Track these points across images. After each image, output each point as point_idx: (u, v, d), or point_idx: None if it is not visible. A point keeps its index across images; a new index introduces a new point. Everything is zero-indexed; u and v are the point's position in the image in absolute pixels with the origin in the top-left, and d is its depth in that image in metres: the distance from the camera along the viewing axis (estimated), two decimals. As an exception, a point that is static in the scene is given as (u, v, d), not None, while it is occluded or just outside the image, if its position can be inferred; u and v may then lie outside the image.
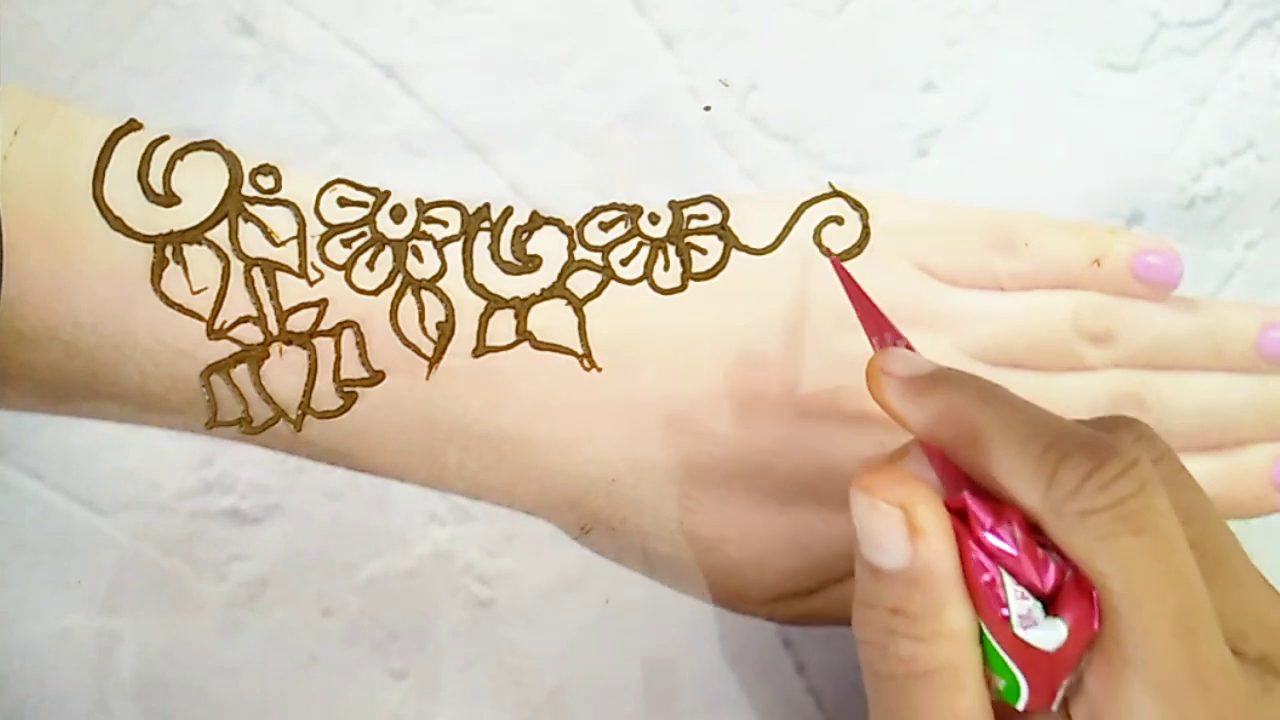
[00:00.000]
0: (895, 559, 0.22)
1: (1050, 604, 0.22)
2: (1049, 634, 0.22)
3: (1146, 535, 0.21)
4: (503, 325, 0.31)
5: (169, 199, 0.30)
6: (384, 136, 0.31)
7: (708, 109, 0.32)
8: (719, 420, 0.31)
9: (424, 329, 0.31)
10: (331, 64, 0.31)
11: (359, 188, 0.31)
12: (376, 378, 0.31)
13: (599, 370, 0.31)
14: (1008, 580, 0.22)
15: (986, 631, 0.22)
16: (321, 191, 0.31)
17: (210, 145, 0.30)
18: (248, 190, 0.30)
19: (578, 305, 0.31)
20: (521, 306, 0.31)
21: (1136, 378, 0.33)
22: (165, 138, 0.30)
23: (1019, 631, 0.22)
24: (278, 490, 0.31)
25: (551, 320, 0.31)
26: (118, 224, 0.29)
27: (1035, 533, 0.23)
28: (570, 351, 0.31)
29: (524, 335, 0.31)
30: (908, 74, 0.33)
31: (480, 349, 0.31)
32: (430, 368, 0.31)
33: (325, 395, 0.31)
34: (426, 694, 0.33)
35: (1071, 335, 0.33)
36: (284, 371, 0.30)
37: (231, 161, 0.30)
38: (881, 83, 0.33)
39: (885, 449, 0.31)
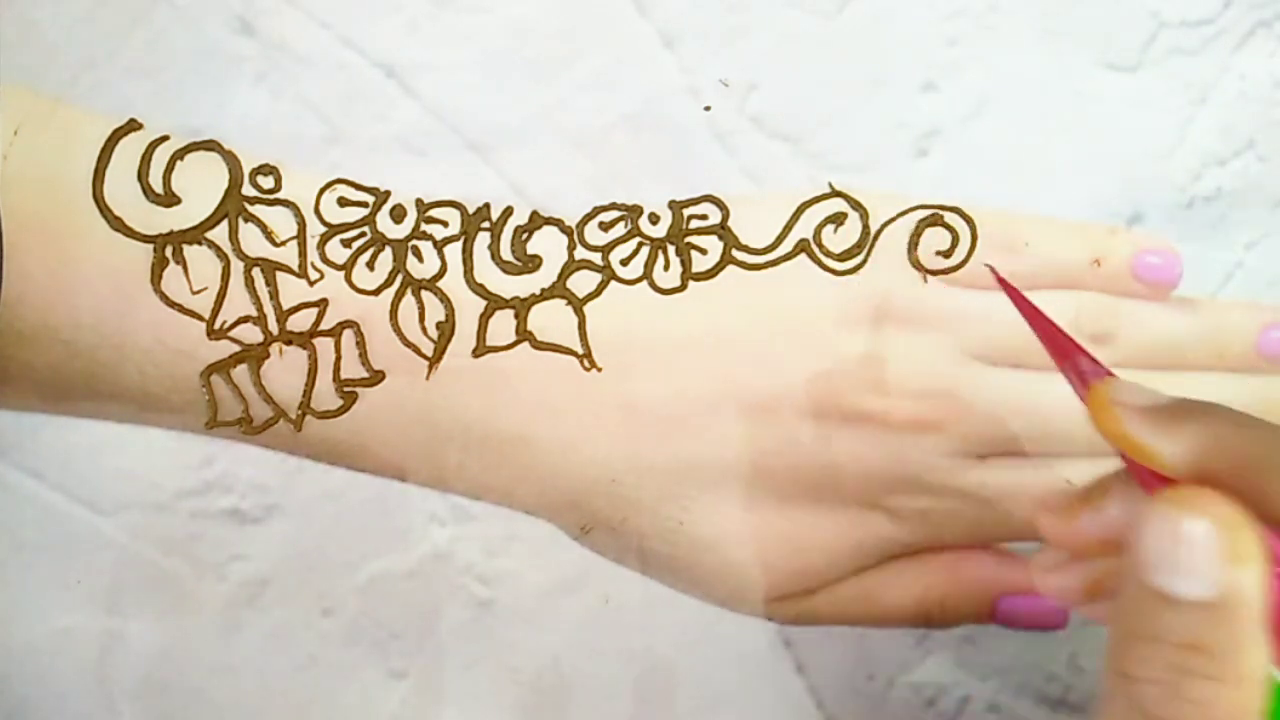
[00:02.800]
0: (1204, 587, 0.20)
1: None
2: None
3: None
4: (503, 325, 0.31)
5: (169, 199, 0.30)
6: (384, 136, 0.31)
7: (708, 109, 0.32)
8: (719, 420, 0.31)
9: (424, 329, 0.31)
10: (331, 64, 0.31)
11: (359, 188, 0.31)
12: (376, 378, 0.31)
13: (599, 370, 0.31)
14: None
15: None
16: (321, 191, 0.31)
17: (210, 145, 0.30)
18: (248, 190, 0.30)
19: (578, 305, 0.31)
20: (521, 306, 0.31)
21: (1136, 378, 0.33)
22: (165, 138, 0.30)
23: None
24: (278, 490, 0.31)
25: (551, 320, 0.31)
26: (118, 224, 0.29)
27: None
28: (570, 351, 0.31)
29: (524, 335, 0.31)
30: (908, 74, 0.33)
31: (480, 349, 0.31)
32: (430, 368, 0.31)
33: (325, 395, 0.31)
34: (426, 694, 0.33)
35: (1071, 335, 0.33)
36: (284, 371, 0.30)
37: (231, 161, 0.30)
38: (881, 83, 0.33)
39: (886, 448, 0.31)
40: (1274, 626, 0.20)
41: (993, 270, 0.30)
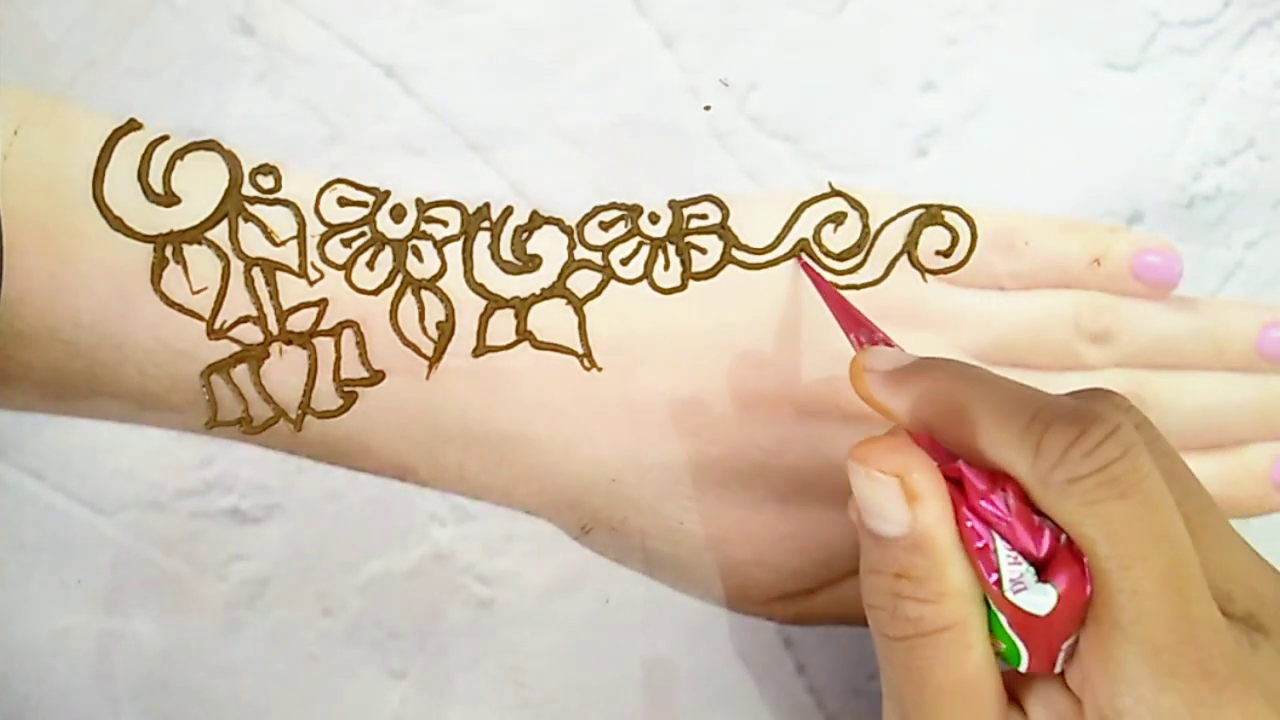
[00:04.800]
0: (895, 526, 0.23)
1: (1044, 571, 0.23)
2: (1039, 599, 0.22)
3: (1132, 498, 0.22)
4: (503, 325, 0.31)
5: (169, 199, 0.30)
6: (384, 136, 0.31)
7: (708, 109, 0.32)
8: (719, 420, 0.31)
9: (424, 329, 0.31)
10: (331, 64, 0.31)
11: (359, 188, 0.31)
12: (376, 378, 0.31)
13: (599, 370, 0.31)
14: (1000, 546, 0.23)
15: (987, 596, 0.23)
16: (321, 191, 0.31)
17: (210, 145, 0.30)
18: (248, 190, 0.30)
19: (578, 305, 0.31)
20: (521, 306, 0.31)
21: (1136, 377, 0.33)
22: (165, 138, 0.30)
23: (1010, 596, 0.22)
24: (278, 490, 0.31)
25: (551, 320, 0.31)
26: (117, 224, 0.29)
27: (1029, 504, 0.23)
28: (570, 351, 0.31)
29: (524, 335, 0.31)
30: (908, 74, 0.33)
31: (480, 349, 0.31)
32: (430, 368, 0.31)
33: (325, 395, 0.31)
34: (427, 694, 0.33)
35: (1072, 335, 0.33)
36: (284, 371, 0.30)
37: (231, 161, 0.30)
38: (881, 83, 0.33)
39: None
40: (969, 553, 0.23)
41: (800, 259, 0.32)
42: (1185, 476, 0.25)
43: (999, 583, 0.23)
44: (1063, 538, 0.23)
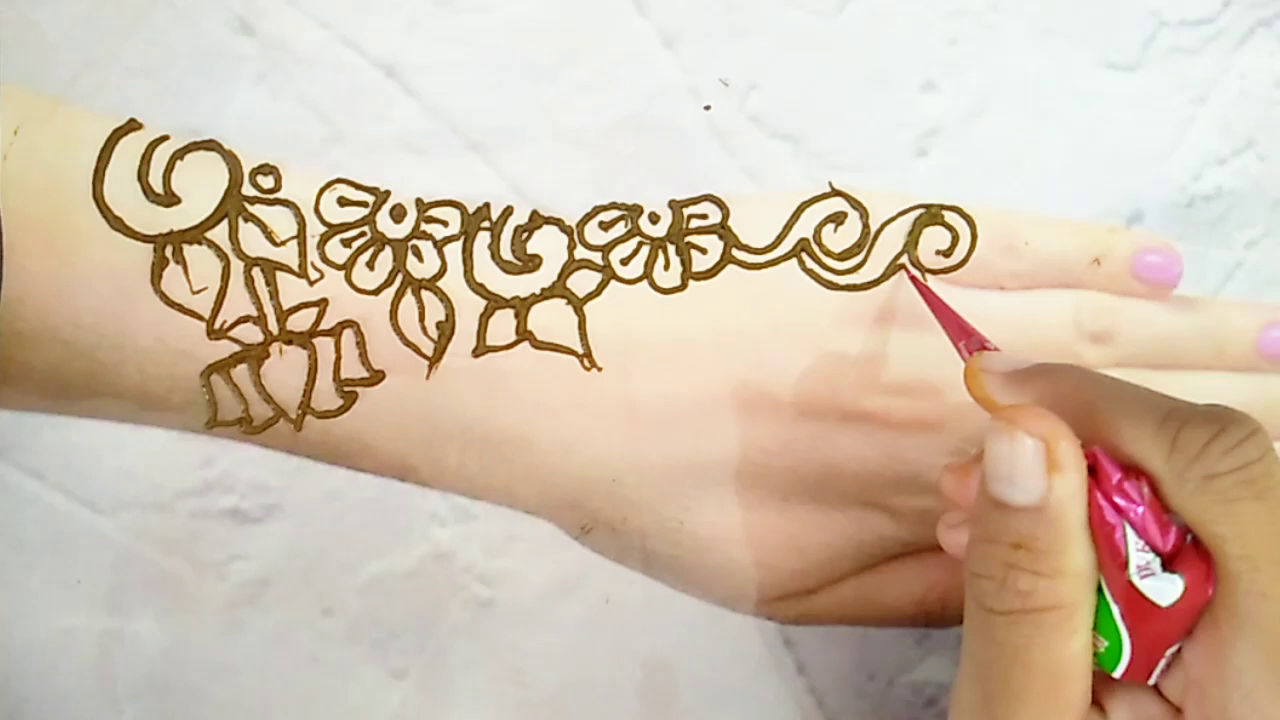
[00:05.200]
0: (1028, 493, 0.22)
1: (1169, 566, 0.22)
2: (1166, 586, 0.22)
3: (1268, 501, 0.21)
4: (503, 325, 0.31)
5: (169, 199, 0.30)
6: (384, 136, 0.31)
7: (708, 109, 0.32)
8: (719, 420, 0.31)
9: (424, 329, 0.31)
10: (331, 64, 0.31)
11: (359, 187, 0.31)
12: (376, 377, 0.31)
13: (599, 370, 0.31)
14: (1130, 533, 0.22)
15: (1104, 585, 0.22)
16: (321, 191, 0.31)
17: (210, 145, 0.30)
18: (248, 190, 0.30)
19: (578, 305, 0.31)
20: (521, 306, 0.31)
21: (1137, 377, 0.33)
22: (165, 138, 0.30)
23: (1136, 580, 0.22)
24: (278, 490, 0.31)
25: (552, 320, 0.31)
26: (118, 224, 0.29)
27: (1159, 500, 0.23)
28: (570, 351, 0.31)
29: (524, 335, 0.31)
30: (908, 74, 0.33)
31: (480, 349, 0.31)
32: (430, 367, 0.31)
33: (325, 395, 0.31)
34: (427, 694, 0.33)
35: (1072, 335, 0.33)
36: (284, 371, 0.30)
37: (231, 161, 0.30)
38: (881, 83, 0.33)
39: (887, 448, 0.31)
40: (1097, 537, 0.22)
41: (905, 268, 0.32)
42: None
43: (1125, 566, 0.22)
44: (1189, 537, 0.22)
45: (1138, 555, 0.22)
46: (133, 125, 0.30)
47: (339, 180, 0.31)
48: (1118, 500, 0.23)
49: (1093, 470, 0.23)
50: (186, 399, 0.30)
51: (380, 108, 0.31)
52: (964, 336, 0.28)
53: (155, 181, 0.30)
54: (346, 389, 0.30)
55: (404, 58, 0.31)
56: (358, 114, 0.31)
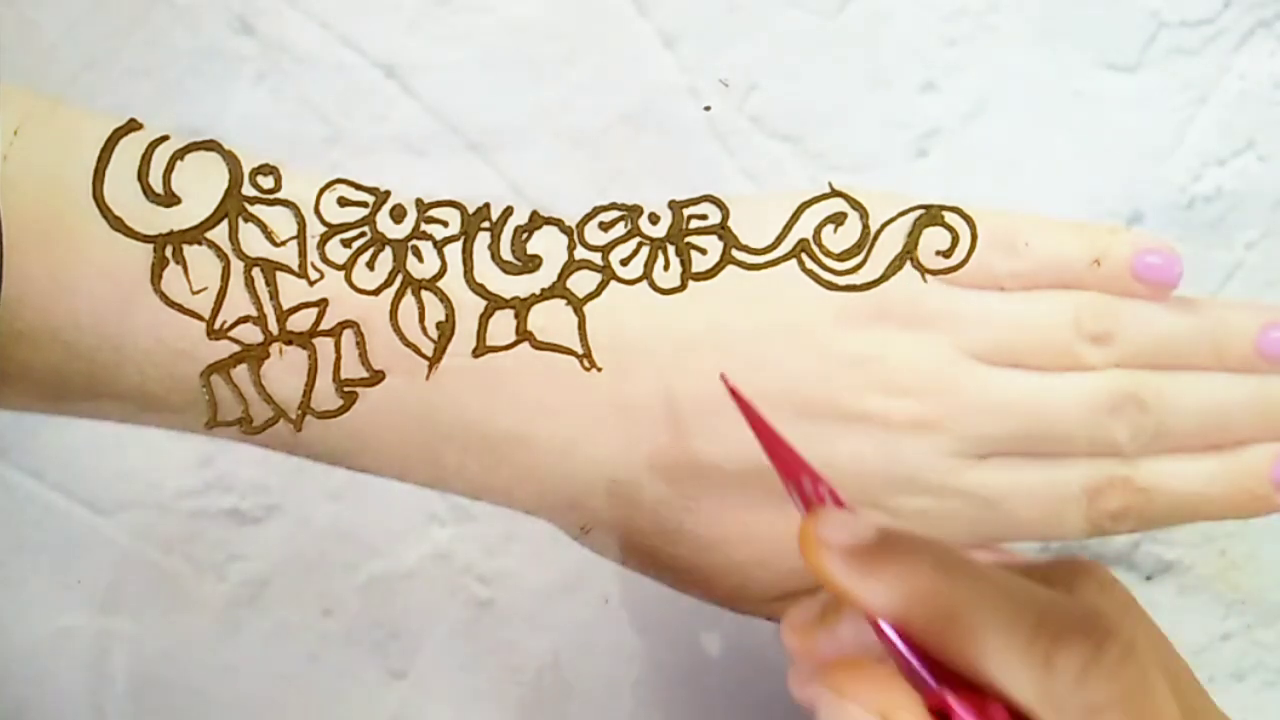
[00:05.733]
0: None
1: None
2: None
3: None
4: (503, 325, 0.31)
5: (169, 199, 0.30)
6: (384, 136, 0.31)
7: (708, 109, 0.32)
8: (719, 420, 0.31)
9: (424, 329, 0.31)
10: (331, 64, 0.31)
11: (359, 188, 0.31)
12: (376, 378, 0.31)
13: (599, 370, 0.31)
14: None
15: None
16: (321, 191, 0.31)
17: (210, 145, 0.30)
18: (248, 190, 0.30)
19: (578, 305, 0.31)
20: (521, 306, 0.31)
21: (1136, 378, 0.33)
22: (165, 138, 0.30)
23: None
24: (278, 490, 0.31)
25: (551, 320, 0.31)
26: (118, 224, 0.29)
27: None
28: (570, 351, 0.31)
29: (524, 335, 0.31)
30: (908, 74, 0.33)
31: (480, 349, 0.31)
32: (430, 368, 0.31)
33: (325, 395, 0.31)
34: (426, 694, 0.33)
35: (1071, 335, 0.33)
36: (284, 371, 0.30)
37: (231, 161, 0.30)
38: (881, 83, 0.33)
39: (886, 448, 0.31)
40: None
41: (731, 389, 0.28)
42: (1176, 662, 0.23)
43: None
44: None
45: None
46: (133, 125, 0.30)
47: (339, 180, 0.31)
48: None
49: (943, 715, 0.21)
50: (186, 399, 0.30)
51: (380, 108, 0.31)
52: (796, 475, 0.25)
53: (155, 181, 0.30)
54: (346, 389, 0.30)
55: (404, 58, 0.31)
56: (358, 114, 0.31)
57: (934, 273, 0.32)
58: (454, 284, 0.31)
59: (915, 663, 0.21)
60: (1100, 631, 0.20)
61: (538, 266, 0.31)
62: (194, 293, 0.30)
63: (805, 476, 0.25)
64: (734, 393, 0.28)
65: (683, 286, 0.32)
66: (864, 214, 0.32)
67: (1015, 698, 0.20)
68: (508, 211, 0.31)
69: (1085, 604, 0.21)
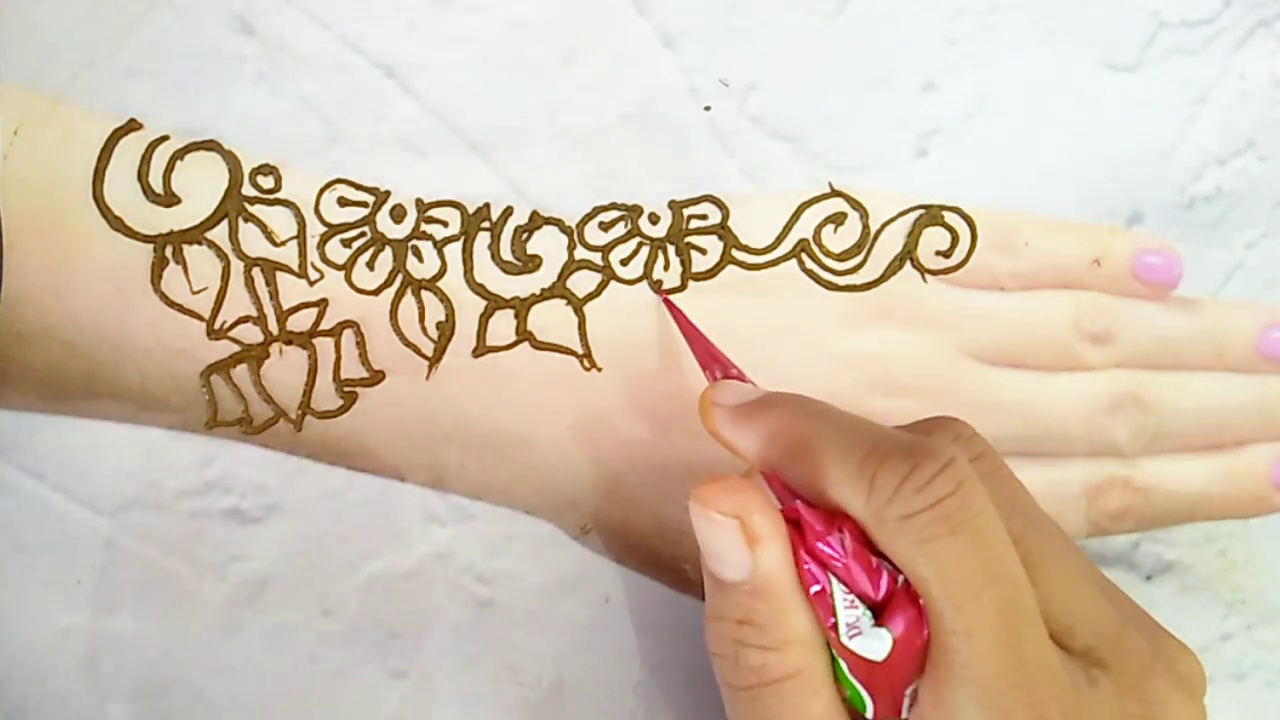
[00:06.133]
0: (737, 570, 0.23)
1: (882, 614, 0.22)
2: (875, 644, 0.22)
3: (964, 535, 0.21)
4: (503, 325, 0.31)
5: (169, 199, 0.30)
6: (384, 136, 0.31)
7: (708, 109, 0.32)
8: (719, 420, 0.31)
9: (424, 329, 0.31)
10: (331, 64, 0.31)
11: (359, 188, 0.31)
12: (376, 378, 0.31)
13: (599, 370, 0.31)
14: (837, 589, 0.22)
15: (829, 642, 0.22)
16: (321, 191, 0.31)
17: (210, 145, 0.30)
18: (248, 190, 0.30)
19: (578, 305, 0.31)
20: (521, 306, 0.31)
21: (1136, 378, 0.33)
22: (165, 138, 0.30)
23: (845, 641, 0.22)
24: (278, 490, 0.31)
25: (551, 320, 0.31)
26: (117, 224, 0.29)
27: (869, 543, 0.22)
28: (570, 351, 0.31)
29: (524, 335, 0.31)
30: (908, 74, 0.33)
31: (480, 349, 0.31)
32: (430, 368, 0.31)
33: (325, 395, 0.30)
34: (426, 694, 0.33)
35: (1071, 335, 0.33)
36: (284, 371, 0.30)
37: (231, 161, 0.30)
38: (881, 83, 0.33)
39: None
40: (807, 597, 0.22)
41: (656, 288, 0.31)
42: (1027, 506, 0.24)
43: (835, 628, 0.22)
44: (900, 579, 0.22)
45: (846, 613, 0.22)
46: (133, 125, 0.30)
47: (339, 180, 0.31)
48: (823, 554, 0.22)
49: (799, 526, 0.23)
50: (186, 399, 0.30)
51: (380, 108, 0.31)
52: (712, 364, 0.28)
53: (155, 181, 0.30)
54: (346, 389, 0.30)
55: (404, 58, 0.31)
56: (358, 114, 0.31)
57: (934, 273, 0.32)
58: (454, 284, 0.31)
59: (780, 496, 0.24)
60: (919, 453, 0.22)
61: (538, 266, 0.31)
62: (194, 293, 0.30)
63: (719, 365, 0.28)
64: (663, 297, 0.31)
65: (683, 286, 0.32)
66: (864, 214, 0.32)
67: (851, 514, 0.22)
68: (508, 211, 0.31)
69: (914, 436, 0.23)
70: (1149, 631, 0.24)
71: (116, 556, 0.31)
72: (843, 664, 0.22)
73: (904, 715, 0.22)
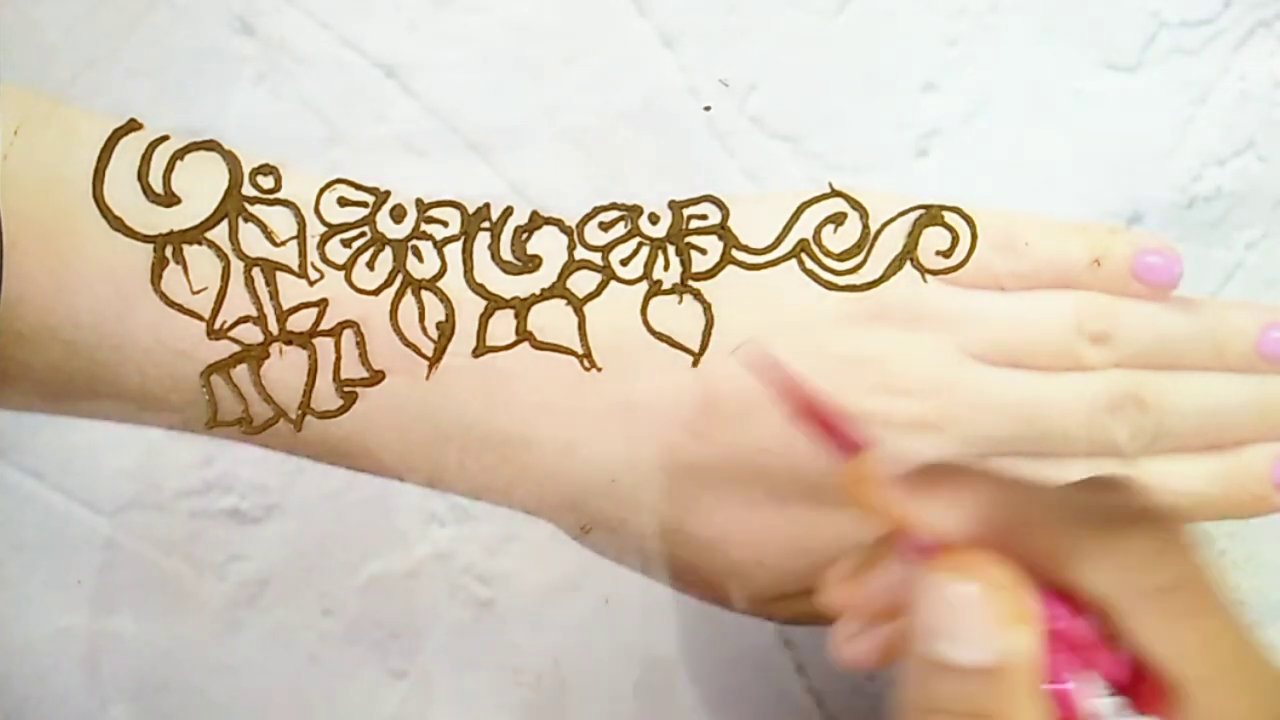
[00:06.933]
0: (980, 652, 0.20)
1: (1129, 702, 0.20)
2: None
3: (1218, 615, 0.20)
4: (503, 325, 0.31)
5: (169, 199, 0.30)
6: (384, 136, 0.31)
7: (708, 109, 0.32)
8: (719, 420, 0.31)
9: (424, 329, 0.31)
10: (331, 64, 0.31)
11: (359, 188, 0.31)
12: (376, 378, 0.31)
13: (599, 370, 0.31)
14: (1093, 684, 0.20)
15: None
16: (321, 191, 0.31)
17: (210, 145, 0.30)
18: (248, 190, 0.30)
19: (578, 305, 0.31)
20: (521, 306, 0.31)
21: (1136, 378, 0.33)
22: (165, 138, 0.30)
23: None
24: (278, 490, 0.31)
25: (551, 320, 0.31)
26: (118, 224, 0.29)
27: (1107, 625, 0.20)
28: (570, 351, 0.31)
29: (524, 335, 0.31)
30: (908, 74, 0.33)
31: (480, 349, 0.31)
32: (430, 368, 0.31)
33: (325, 395, 0.31)
34: (426, 694, 0.33)
35: (1071, 335, 0.33)
36: (284, 371, 0.30)
37: (231, 161, 0.30)
38: (881, 83, 0.33)
39: (886, 448, 0.31)
40: (1055, 692, 0.20)
41: (766, 372, 0.27)
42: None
43: None
44: (1135, 664, 0.20)
45: (1100, 704, 0.20)
46: (133, 125, 0.30)
47: (339, 180, 0.31)
48: (1070, 638, 0.20)
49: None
50: (186, 399, 0.30)
51: (380, 108, 0.31)
52: (833, 428, 0.25)
53: (155, 181, 0.30)
54: (346, 389, 0.30)
55: (404, 58, 0.31)
56: (358, 114, 0.31)
57: (934, 273, 0.32)
58: (454, 284, 0.31)
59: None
60: (1164, 519, 0.20)
61: (538, 266, 0.31)
62: (194, 293, 0.30)
63: (844, 428, 0.25)
64: (774, 383, 0.27)
65: (683, 286, 0.32)
66: (864, 214, 0.32)
67: (1093, 591, 0.20)
68: (508, 211, 0.31)
69: (1140, 499, 0.21)
70: None
71: (116, 556, 0.31)
72: None
73: None
